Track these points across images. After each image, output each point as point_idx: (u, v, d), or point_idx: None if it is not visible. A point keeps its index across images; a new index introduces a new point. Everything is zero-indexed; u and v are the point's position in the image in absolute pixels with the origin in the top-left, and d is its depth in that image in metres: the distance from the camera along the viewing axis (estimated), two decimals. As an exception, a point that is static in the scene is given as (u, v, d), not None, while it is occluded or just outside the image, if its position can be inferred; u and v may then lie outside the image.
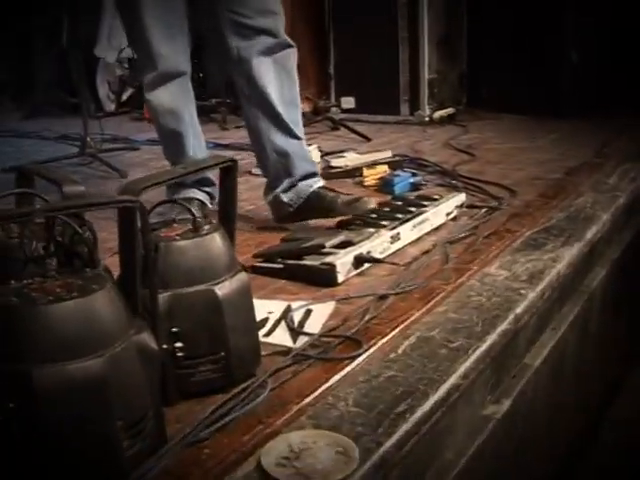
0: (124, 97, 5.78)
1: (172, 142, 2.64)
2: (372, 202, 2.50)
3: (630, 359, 3.24)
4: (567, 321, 2.42)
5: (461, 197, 2.68)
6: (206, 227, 1.47)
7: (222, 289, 1.43)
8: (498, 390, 1.95)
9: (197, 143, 2.66)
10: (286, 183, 2.58)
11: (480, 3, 5.04)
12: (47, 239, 1.28)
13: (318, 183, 2.62)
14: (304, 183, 2.59)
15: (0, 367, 1.14)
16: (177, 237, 1.44)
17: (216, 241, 1.45)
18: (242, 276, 1.49)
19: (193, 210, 1.46)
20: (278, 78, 2.52)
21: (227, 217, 1.57)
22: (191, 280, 1.41)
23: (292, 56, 2.56)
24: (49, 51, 5.93)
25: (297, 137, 2.59)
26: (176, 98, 2.57)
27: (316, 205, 2.55)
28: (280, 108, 2.53)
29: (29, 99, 6.07)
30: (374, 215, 2.44)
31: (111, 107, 5.73)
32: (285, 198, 2.58)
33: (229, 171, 1.53)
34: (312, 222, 2.56)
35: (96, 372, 1.14)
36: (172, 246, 1.41)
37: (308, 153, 2.68)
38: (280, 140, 2.56)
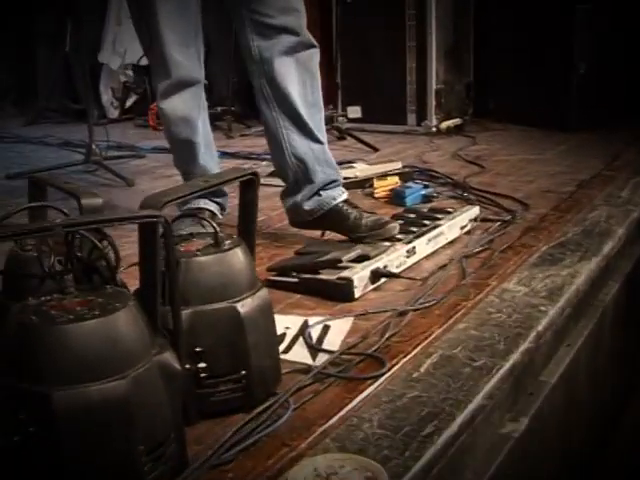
0: (128, 104, 5.75)
1: (184, 151, 2.59)
2: (397, 228, 2.36)
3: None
4: (582, 337, 2.38)
5: (475, 210, 2.64)
6: (227, 242, 1.43)
7: (244, 307, 1.39)
8: (516, 408, 1.91)
9: (209, 152, 2.61)
10: (307, 190, 2.48)
11: (487, 14, 5.02)
12: (66, 254, 1.25)
13: (342, 196, 2.51)
14: (327, 193, 2.49)
15: (18, 388, 1.11)
16: (198, 252, 1.40)
17: (238, 257, 1.41)
18: (263, 293, 1.46)
19: (214, 224, 1.41)
20: (301, 79, 2.43)
21: (247, 231, 1.53)
22: (212, 297, 1.37)
23: (315, 56, 2.48)
24: (52, 56, 5.90)
25: (319, 141, 2.50)
26: (190, 106, 2.52)
27: (338, 221, 2.45)
28: (302, 110, 2.44)
29: (32, 105, 6.04)
30: (388, 228, 2.40)
31: (114, 114, 5.69)
32: (306, 206, 2.48)
33: (250, 185, 1.49)
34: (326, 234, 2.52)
35: (119, 394, 1.10)
36: (193, 262, 1.37)
37: (331, 158, 2.56)
38: (301, 144, 2.46)
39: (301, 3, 2.45)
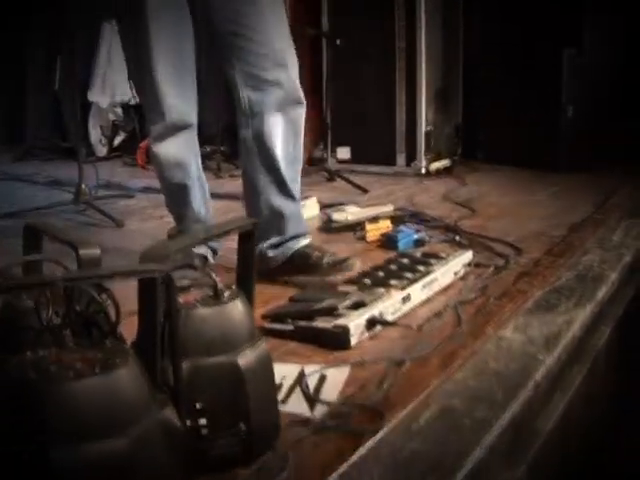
0: (116, 142, 5.75)
1: (177, 194, 2.59)
2: (357, 265, 2.44)
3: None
4: (575, 383, 2.37)
5: (468, 255, 2.64)
6: (226, 293, 1.42)
7: (244, 359, 1.36)
8: (512, 456, 1.89)
9: (202, 196, 2.61)
10: (275, 240, 2.54)
11: (477, 55, 5.07)
12: (65, 307, 1.23)
13: (305, 241, 2.58)
14: (292, 242, 2.56)
15: (16, 447, 1.08)
16: (197, 304, 1.38)
17: (238, 308, 1.39)
18: (263, 345, 1.44)
19: (214, 276, 1.40)
20: (286, 136, 2.48)
21: (246, 281, 1.51)
22: (212, 350, 1.35)
23: (302, 114, 2.51)
24: (42, 93, 5.90)
25: (294, 198, 2.55)
26: (183, 150, 2.52)
27: (300, 264, 2.50)
28: (283, 166, 2.48)
29: (20, 141, 6.04)
30: (382, 273, 2.39)
31: (103, 152, 5.70)
32: (271, 253, 2.53)
33: (249, 235, 1.48)
34: (319, 279, 2.51)
35: (120, 452, 1.08)
36: (193, 314, 1.35)
37: (302, 214, 2.64)
38: (277, 200, 2.51)
39: (293, 56, 2.47)
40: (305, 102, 2.51)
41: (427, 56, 4.59)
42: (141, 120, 5.63)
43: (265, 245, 2.53)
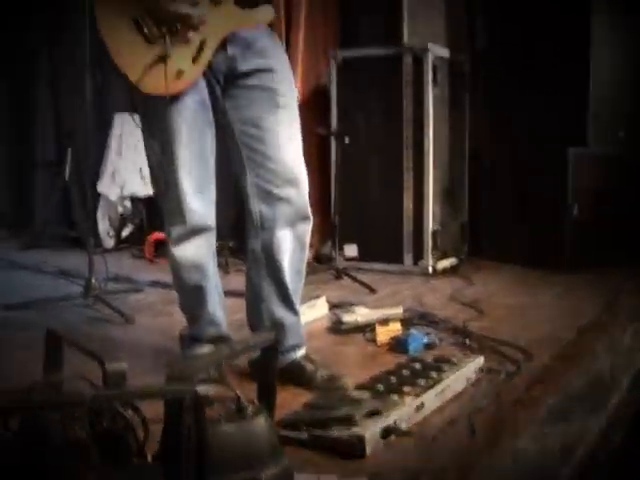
0: (123, 234, 5.79)
1: (193, 296, 2.60)
2: (349, 383, 2.45)
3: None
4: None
5: (479, 361, 2.65)
6: (250, 408, 1.42)
7: (268, 476, 1.36)
8: None
9: (218, 299, 2.64)
10: None
11: (481, 154, 5.16)
12: (92, 425, 1.23)
13: (301, 352, 2.63)
14: (290, 353, 2.60)
15: None
16: (222, 419, 1.38)
17: (262, 425, 1.40)
18: (285, 461, 1.44)
19: (238, 392, 1.41)
20: (293, 250, 2.55)
21: (267, 395, 1.52)
22: (236, 467, 1.35)
23: (309, 229, 2.58)
24: (51, 184, 5.97)
25: (295, 311, 2.61)
26: (201, 252, 2.55)
27: (294, 376, 2.53)
28: (288, 279, 2.55)
29: (27, 229, 6.08)
30: (394, 379, 2.39)
31: (110, 243, 5.73)
32: None
33: (271, 350, 1.50)
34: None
35: None
36: (219, 430, 1.35)
37: (301, 327, 2.68)
38: (279, 310, 2.57)
39: (304, 173, 2.54)
40: (312, 218, 2.57)
41: (434, 155, 4.65)
42: (149, 213, 5.70)
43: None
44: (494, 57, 5.12)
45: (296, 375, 2.53)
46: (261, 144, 2.47)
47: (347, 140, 4.60)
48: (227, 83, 2.47)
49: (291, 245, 2.54)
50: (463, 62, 5.11)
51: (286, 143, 2.49)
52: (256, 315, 2.61)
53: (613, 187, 4.80)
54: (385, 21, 5.04)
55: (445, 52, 4.87)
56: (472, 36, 5.40)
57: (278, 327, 2.55)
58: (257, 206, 2.52)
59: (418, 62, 4.63)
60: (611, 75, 4.81)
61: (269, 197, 2.50)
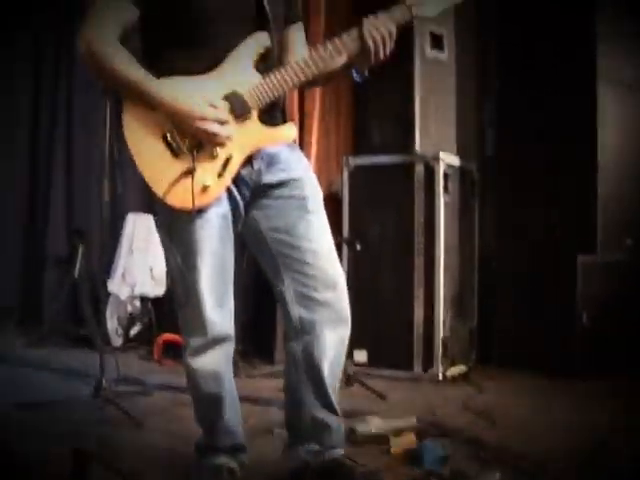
0: (131, 333, 5.79)
1: (210, 405, 2.59)
2: None
3: None
4: None
5: (496, 477, 2.63)
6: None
7: None
8: None
9: (234, 410, 2.62)
10: (314, 446, 2.59)
11: (490, 260, 5.22)
12: None
13: (341, 452, 2.64)
14: (330, 451, 2.60)
15: None
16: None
17: None
18: None
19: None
20: (333, 354, 2.55)
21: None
22: None
23: (348, 334, 2.59)
24: (61, 281, 5.99)
25: (337, 413, 2.61)
26: (220, 362, 2.55)
27: (337, 473, 2.53)
28: (328, 381, 2.55)
29: (35, 326, 6.08)
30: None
31: (118, 342, 5.72)
32: (307, 456, 2.59)
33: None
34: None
35: None
36: None
37: (342, 429, 2.67)
38: (321, 413, 2.57)
39: (342, 276, 2.56)
40: (350, 320, 2.58)
41: (445, 262, 4.69)
42: (157, 312, 5.71)
43: (303, 449, 2.59)
44: (503, 164, 5.25)
45: (338, 471, 2.54)
46: (297, 251, 2.50)
47: (359, 247, 4.65)
48: (254, 195, 2.52)
49: (331, 350, 2.54)
50: (473, 170, 5.20)
51: (321, 248, 2.52)
52: (297, 416, 2.61)
53: (622, 294, 4.83)
54: (397, 129, 5.13)
55: (456, 160, 4.96)
56: (482, 143, 5.54)
57: (320, 429, 2.58)
58: (297, 310, 2.53)
59: (429, 170, 4.71)
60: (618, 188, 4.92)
61: (309, 301, 2.51)
